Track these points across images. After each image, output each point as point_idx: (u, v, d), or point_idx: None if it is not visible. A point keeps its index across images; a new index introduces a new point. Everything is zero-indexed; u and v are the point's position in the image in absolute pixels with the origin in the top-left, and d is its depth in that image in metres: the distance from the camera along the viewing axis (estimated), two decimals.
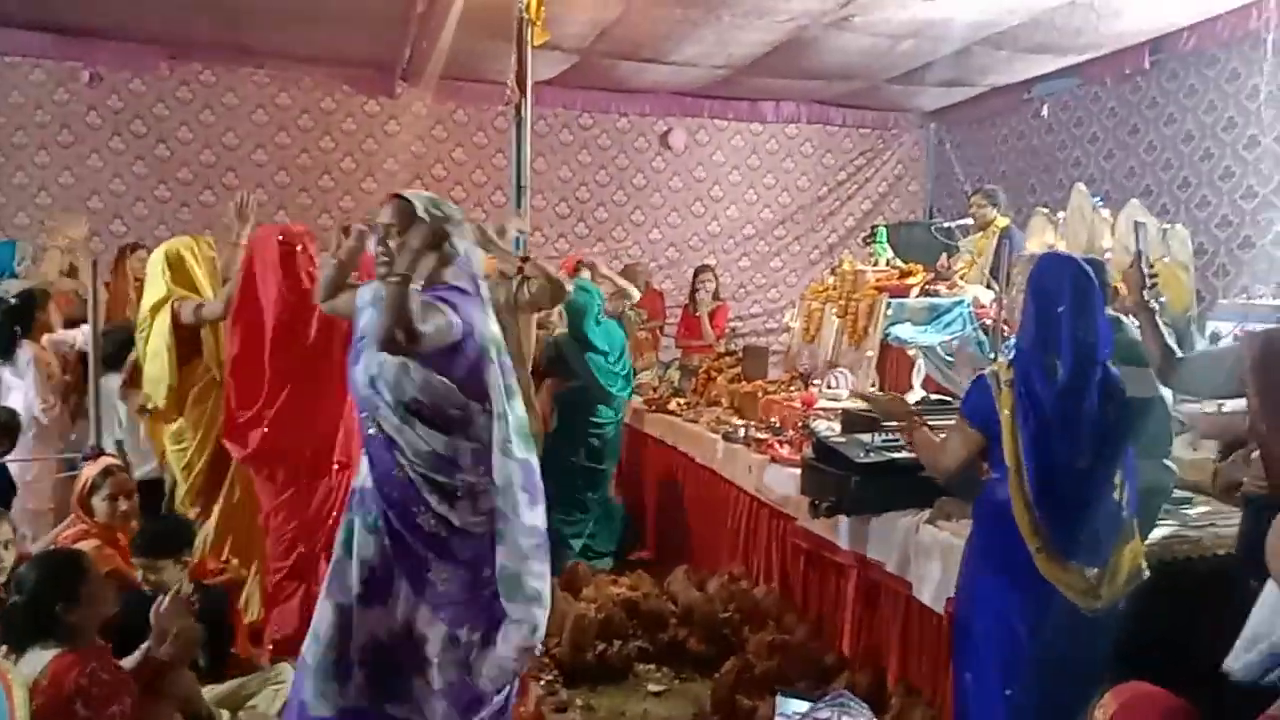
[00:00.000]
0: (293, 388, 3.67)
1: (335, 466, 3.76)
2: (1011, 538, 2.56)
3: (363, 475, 2.71)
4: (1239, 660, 2.02)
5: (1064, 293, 2.59)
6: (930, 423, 3.10)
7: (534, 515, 2.60)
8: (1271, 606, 1.96)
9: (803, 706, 2.66)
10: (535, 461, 2.65)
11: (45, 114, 7.77)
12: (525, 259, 3.93)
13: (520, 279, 3.82)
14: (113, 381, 4.53)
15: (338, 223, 5.24)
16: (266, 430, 3.68)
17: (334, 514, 3.69)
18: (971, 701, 2.72)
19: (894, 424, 3.12)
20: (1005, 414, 2.56)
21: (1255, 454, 2.88)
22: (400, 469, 2.58)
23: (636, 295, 5.98)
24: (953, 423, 3.00)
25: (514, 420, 2.59)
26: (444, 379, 2.56)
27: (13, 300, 4.68)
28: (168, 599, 2.79)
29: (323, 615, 2.67)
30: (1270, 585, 1.98)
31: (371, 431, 2.63)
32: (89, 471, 3.63)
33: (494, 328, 2.66)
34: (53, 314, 5.03)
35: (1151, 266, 2.99)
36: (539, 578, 2.61)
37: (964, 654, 2.78)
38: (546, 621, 2.66)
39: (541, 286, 3.78)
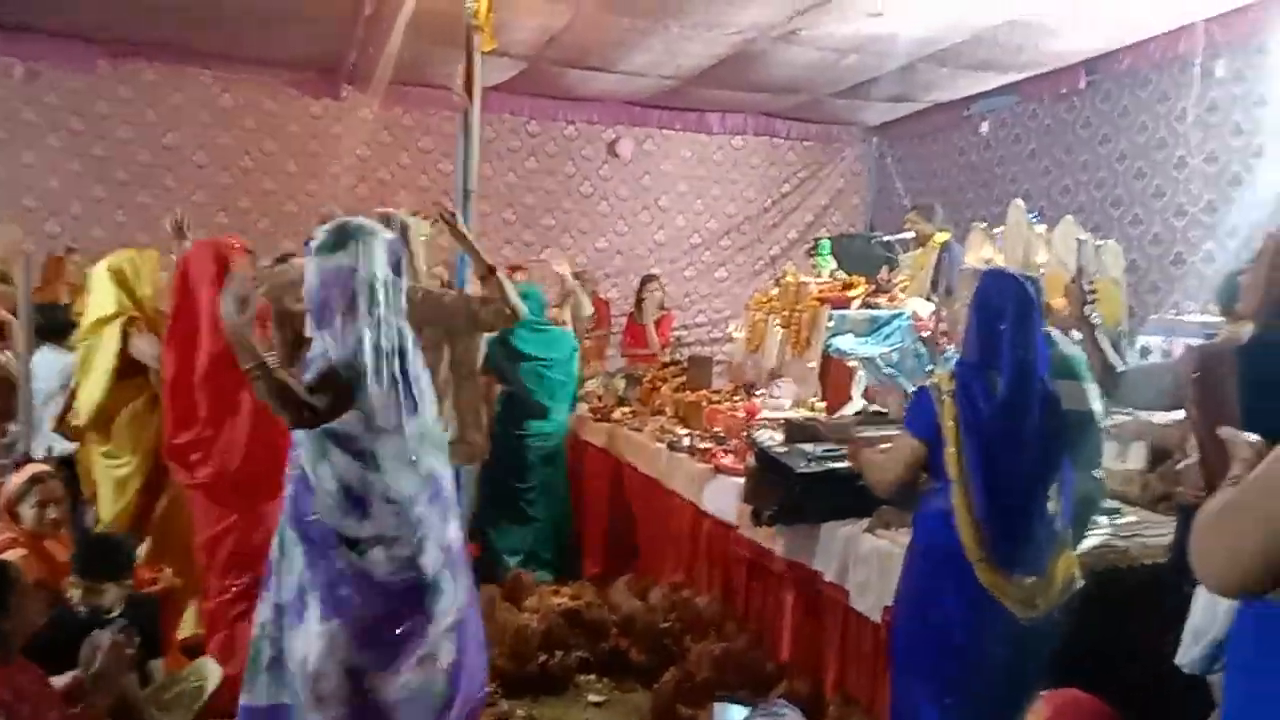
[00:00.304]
0: (232, 408, 3.55)
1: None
2: (952, 547, 2.61)
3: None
4: (1187, 655, 2.10)
5: (1007, 309, 2.67)
6: (869, 434, 3.16)
7: (444, 530, 2.65)
8: (1207, 601, 2.03)
9: (741, 714, 2.68)
10: (446, 473, 2.68)
11: None
12: (491, 270, 3.78)
13: (479, 299, 3.72)
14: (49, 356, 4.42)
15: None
16: (207, 453, 3.58)
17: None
18: (910, 709, 2.76)
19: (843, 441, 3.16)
20: (949, 424, 2.62)
21: (1182, 465, 2.97)
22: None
23: (588, 309, 5.85)
24: (894, 433, 3.05)
25: (414, 434, 2.58)
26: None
27: None
28: (106, 645, 2.72)
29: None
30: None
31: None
32: (16, 479, 3.54)
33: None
34: None
35: (1091, 282, 3.08)
36: (450, 591, 2.65)
37: (903, 662, 2.83)
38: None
39: (498, 311, 3.69)
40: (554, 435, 5.49)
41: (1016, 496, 2.63)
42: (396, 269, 2.61)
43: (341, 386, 2.48)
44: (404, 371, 2.58)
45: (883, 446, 3.05)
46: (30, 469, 3.62)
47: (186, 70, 8.09)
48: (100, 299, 3.99)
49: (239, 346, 2.47)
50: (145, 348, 3.88)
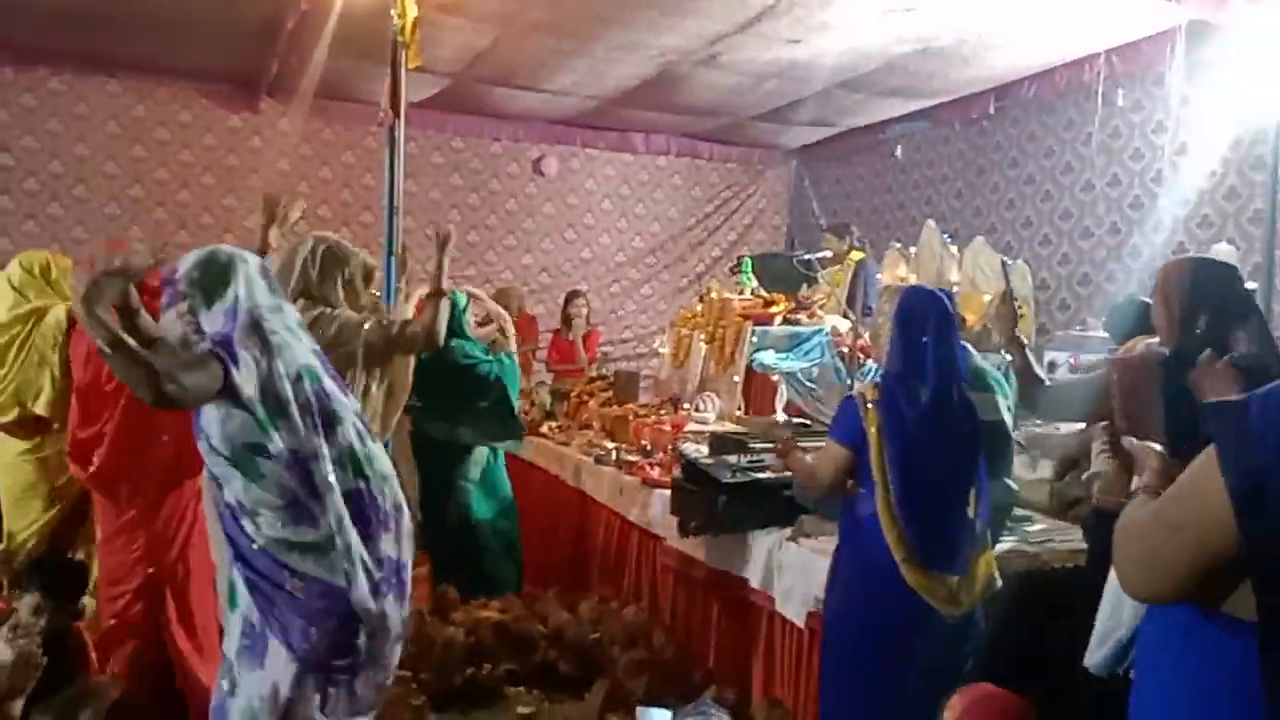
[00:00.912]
0: (129, 403, 3.51)
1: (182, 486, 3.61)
2: (878, 548, 2.72)
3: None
4: (1094, 656, 2.19)
5: (929, 323, 2.83)
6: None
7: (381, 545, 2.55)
8: (1113, 604, 2.14)
9: (665, 716, 2.72)
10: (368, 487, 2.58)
11: None
12: (441, 293, 3.72)
13: (401, 324, 3.69)
14: None
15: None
16: (106, 448, 3.53)
17: (180, 536, 3.56)
18: (840, 709, 2.84)
19: (771, 445, 3.25)
20: (872, 432, 2.74)
21: (1091, 472, 3.10)
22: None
23: (510, 331, 5.76)
24: (818, 444, 3.15)
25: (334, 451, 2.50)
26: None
27: None
28: (5, 627, 2.67)
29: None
30: (1110, 584, 2.16)
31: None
32: None
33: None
34: None
35: (1018, 303, 3.23)
36: (388, 614, 2.54)
37: (833, 663, 2.91)
38: (402, 649, 2.64)
39: (415, 334, 3.66)
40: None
41: (937, 499, 2.77)
42: (274, 290, 2.57)
43: (215, 369, 2.36)
44: (316, 392, 2.51)
45: (809, 454, 3.14)
46: None
47: (94, 79, 7.90)
48: (19, 295, 3.93)
49: (90, 324, 2.32)
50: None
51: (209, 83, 8.15)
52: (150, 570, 3.54)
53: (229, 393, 2.38)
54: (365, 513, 2.54)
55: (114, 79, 7.95)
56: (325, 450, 2.47)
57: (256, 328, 2.46)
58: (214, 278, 2.47)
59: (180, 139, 8.26)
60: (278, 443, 2.41)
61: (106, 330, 2.30)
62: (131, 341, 2.33)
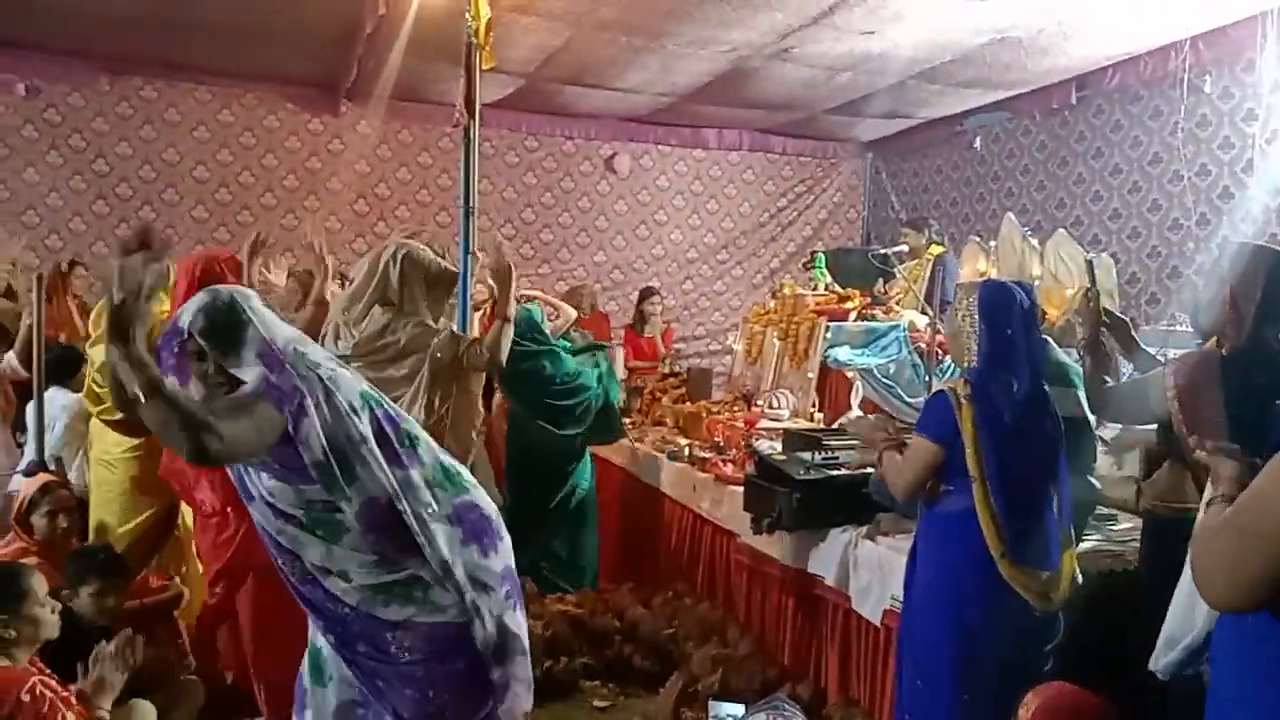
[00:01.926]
0: None
1: None
2: (971, 545, 2.67)
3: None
4: (1160, 661, 2.14)
5: (1015, 316, 2.77)
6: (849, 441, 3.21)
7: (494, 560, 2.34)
8: (1183, 608, 2.08)
9: (737, 709, 2.70)
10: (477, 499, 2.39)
11: None
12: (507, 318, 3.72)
13: (470, 341, 3.72)
14: (57, 396, 4.47)
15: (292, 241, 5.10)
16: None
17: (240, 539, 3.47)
18: (920, 708, 2.81)
19: (873, 445, 3.19)
20: (967, 428, 2.69)
21: (1155, 475, 3.03)
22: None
23: (573, 314, 5.85)
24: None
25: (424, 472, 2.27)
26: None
27: None
28: (113, 647, 2.75)
29: None
30: (1180, 589, 2.11)
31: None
32: (27, 488, 3.57)
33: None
34: None
35: (1097, 302, 3.16)
36: (519, 627, 2.35)
37: (915, 662, 2.86)
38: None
39: (480, 355, 3.65)
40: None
41: (1031, 495, 2.73)
42: (286, 320, 2.33)
43: (267, 414, 2.06)
44: (385, 416, 2.27)
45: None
46: (41, 478, 3.67)
47: (184, 87, 8.18)
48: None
49: (124, 362, 1.90)
50: None
51: (292, 87, 8.37)
52: (230, 555, 3.59)
53: (290, 441, 2.08)
54: (477, 527, 2.32)
55: (202, 86, 8.22)
56: (415, 476, 2.23)
57: (300, 360, 2.16)
58: (225, 320, 2.14)
59: (265, 143, 8.51)
60: (360, 490, 2.14)
61: (145, 371, 1.89)
62: (169, 385, 1.97)
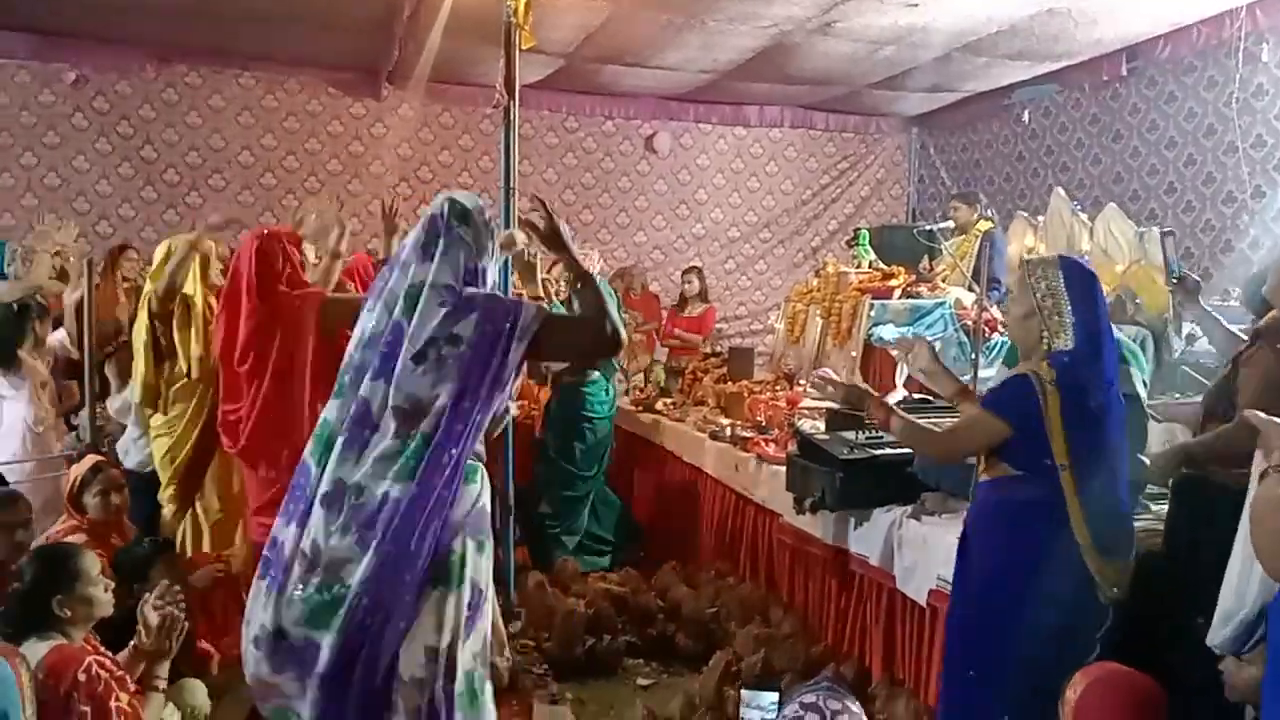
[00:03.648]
0: (269, 385, 3.62)
1: None
2: (1048, 535, 2.58)
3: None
4: (1217, 636, 2.10)
5: (1101, 294, 2.68)
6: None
7: None
8: (1237, 583, 2.04)
9: (770, 698, 2.65)
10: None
11: (31, 115, 7.78)
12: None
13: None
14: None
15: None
16: (250, 426, 3.69)
17: None
18: (967, 697, 2.74)
19: (859, 411, 3.12)
20: (1053, 415, 2.56)
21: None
22: None
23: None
24: (940, 419, 3.06)
25: None
26: None
27: (15, 308, 4.66)
28: (154, 593, 2.82)
29: None
30: (1232, 563, 2.06)
31: None
32: (78, 469, 3.64)
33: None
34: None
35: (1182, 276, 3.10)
36: None
37: (968, 651, 2.77)
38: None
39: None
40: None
41: (1114, 482, 2.64)
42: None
43: None
44: None
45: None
46: (91, 458, 3.73)
47: (229, 73, 8.27)
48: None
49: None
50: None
51: (334, 72, 8.42)
52: None
53: None
54: None
55: (246, 72, 8.30)
56: None
57: None
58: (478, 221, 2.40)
59: (308, 128, 8.57)
60: None
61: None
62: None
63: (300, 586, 2.25)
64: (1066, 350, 2.61)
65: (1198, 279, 3.32)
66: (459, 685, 2.31)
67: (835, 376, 4.94)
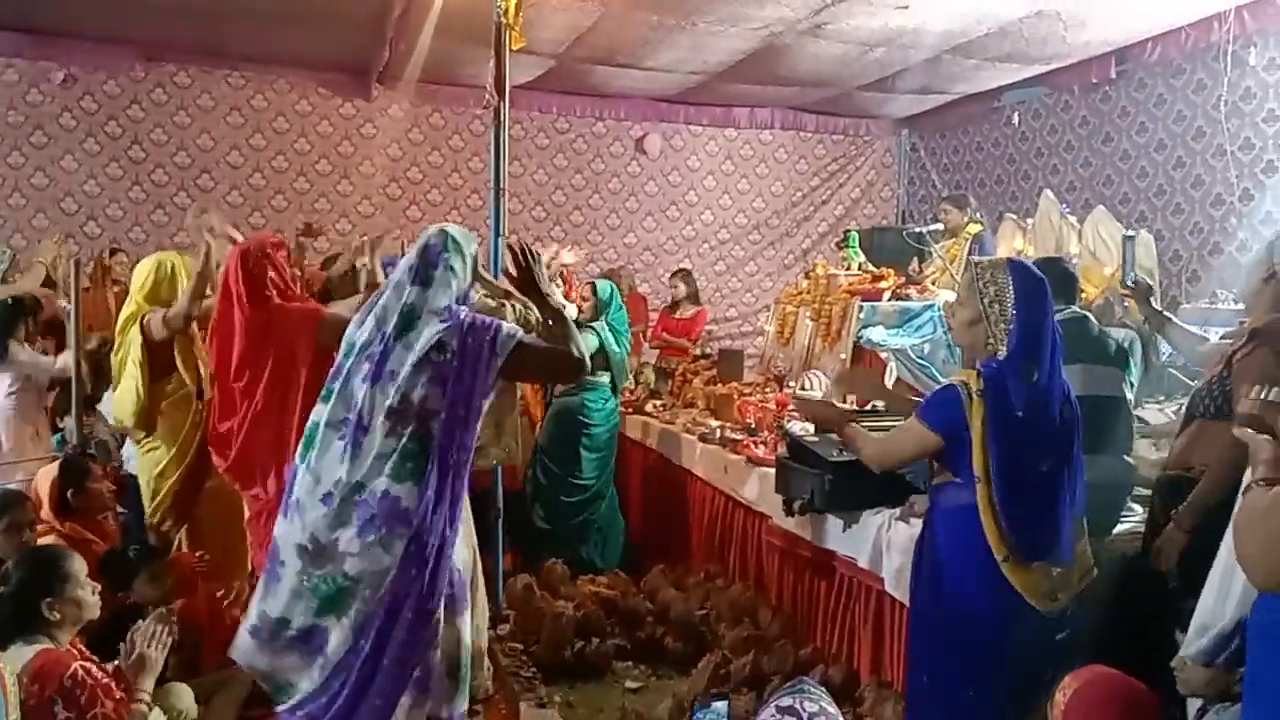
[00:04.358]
0: (261, 400, 3.58)
1: None
2: (974, 543, 2.56)
3: None
4: (1192, 647, 2.10)
5: (1048, 302, 2.61)
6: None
7: None
8: (1215, 595, 2.05)
9: (721, 706, 2.65)
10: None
11: (18, 114, 7.74)
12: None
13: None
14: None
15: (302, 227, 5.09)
16: (240, 441, 3.66)
17: None
18: (928, 704, 2.75)
19: (821, 421, 3.14)
20: (977, 425, 2.54)
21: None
22: None
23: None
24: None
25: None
26: None
27: (9, 301, 4.62)
28: (149, 623, 2.79)
29: None
30: (1213, 575, 2.07)
31: None
32: (44, 476, 3.61)
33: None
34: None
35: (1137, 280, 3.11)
36: None
37: (923, 655, 2.80)
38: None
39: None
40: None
41: (1042, 491, 2.58)
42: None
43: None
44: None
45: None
46: (54, 463, 3.70)
47: (218, 73, 8.25)
48: (130, 299, 4.07)
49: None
50: (155, 325, 3.90)
51: (324, 72, 8.40)
52: None
53: None
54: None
55: (236, 72, 8.28)
56: None
57: None
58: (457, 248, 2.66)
59: (297, 128, 8.55)
60: None
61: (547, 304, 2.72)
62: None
63: (307, 579, 2.48)
64: (1000, 360, 2.56)
65: (1150, 283, 3.38)
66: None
67: (814, 394, 4.99)
